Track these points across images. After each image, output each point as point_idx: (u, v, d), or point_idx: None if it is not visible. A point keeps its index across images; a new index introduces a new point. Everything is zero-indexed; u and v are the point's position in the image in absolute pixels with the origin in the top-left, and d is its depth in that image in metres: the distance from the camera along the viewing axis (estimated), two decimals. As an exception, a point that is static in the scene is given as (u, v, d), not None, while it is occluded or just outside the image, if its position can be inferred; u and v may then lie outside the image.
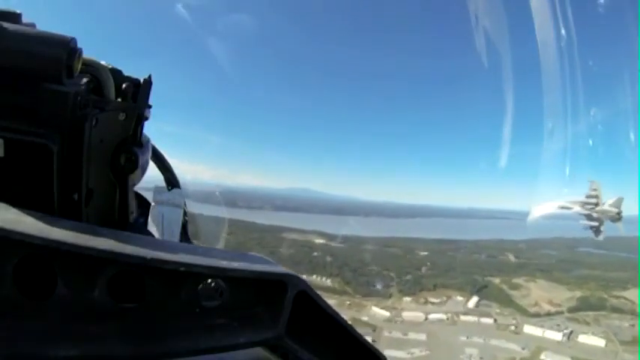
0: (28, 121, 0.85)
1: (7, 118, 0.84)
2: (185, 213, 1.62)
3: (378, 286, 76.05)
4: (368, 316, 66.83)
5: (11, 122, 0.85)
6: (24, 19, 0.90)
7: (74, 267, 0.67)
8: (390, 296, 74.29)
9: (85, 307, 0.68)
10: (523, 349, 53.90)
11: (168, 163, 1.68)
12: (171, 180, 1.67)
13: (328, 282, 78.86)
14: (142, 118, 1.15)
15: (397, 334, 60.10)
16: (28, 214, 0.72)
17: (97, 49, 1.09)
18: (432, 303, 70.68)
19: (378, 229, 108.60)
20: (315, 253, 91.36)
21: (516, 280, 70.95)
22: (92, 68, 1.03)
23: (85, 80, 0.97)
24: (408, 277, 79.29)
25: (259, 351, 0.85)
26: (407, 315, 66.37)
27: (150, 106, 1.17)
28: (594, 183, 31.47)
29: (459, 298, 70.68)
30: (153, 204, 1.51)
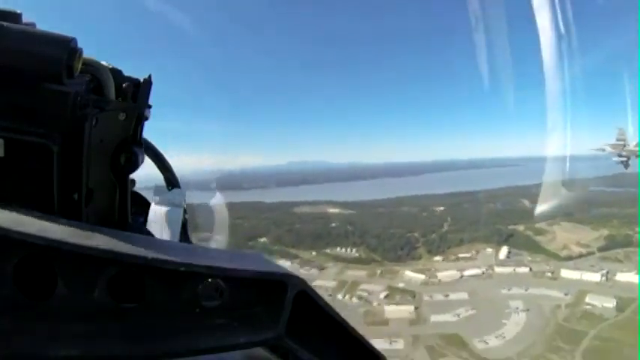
0: (28, 121, 0.86)
1: (7, 118, 0.85)
2: (185, 212, 1.59)
3: (405, 249, 76.01)
4: (403, 281, 66.81)
5: (11, 122, 0.85)
6: (24, 19, 0.90)
7: (74, 267, 0.67)
8: (420, 257, 74.38)
9: (85, 307, 0.68)
10: (566, 294, 54.54)
11: (167, 163, 1.66)
12: (171, 180, 1.66)
13: (354, 252, 78.27)
14: (142, 118, 1.16)
15: (438, 297, 60.26)
16: (28, 214, 0.72)
17: (97, 48, 1.10)
18: (463, 259, 71.18)
19: (389, 190, 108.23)
20: (333, 224, 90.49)
21: (540, 226, 71.44)
22: (92, 68, 1.03)
23: (85, 80, 0.97)
24: (433, 235, 79.39)
25: (259, 351, 0.85)
26: (442, 275, 66.55)
27: (150, 106, 1.18)
28: (621, 130, 41.00)
29: (489, 250, 71.23)
30: (153, 204, 1.50)
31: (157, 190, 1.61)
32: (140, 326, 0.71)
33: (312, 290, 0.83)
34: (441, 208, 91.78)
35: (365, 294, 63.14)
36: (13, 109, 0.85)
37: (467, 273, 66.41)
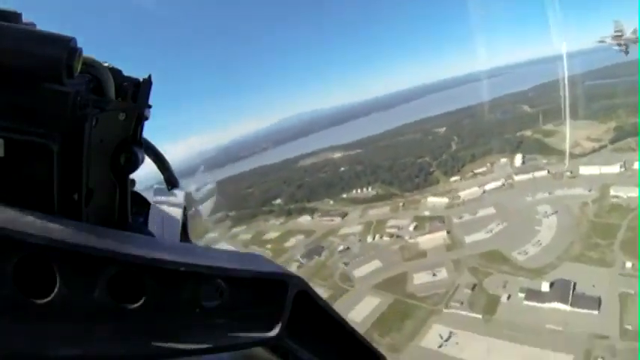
0: (28, 121, 0.86)
1: (7, 118, 0.85)
2: (185, 212, 1.60)
3: (421, 176, 76.04)
4: (427, 209, 67.22)
5: (11, 122, 0.85)
6: (24, 19, 0.90)
7: (74, 267, 0.67)
8: (437, 181, 74.66)
9: (85, 307, 0.68)
10: (590, 191, 55.28)
11: (167, 163, 1.65)
12: (171, 180, 1.65)
13: (370, 191, 77.97)
14: (142, 118, 1.17)
15: (467, 217, 60.96)
16: (28, 214, 0.73)
17: (98, 48, 1.09)
18: (480, 174, 71.67)
19: (386, 123, 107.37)
20: (342, 169, 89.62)
21: (547, 128, 71.32)
22: (92, 68, 1.03)
23: (85, 80, 0.98)
24: (444, 156, 79.42)
25: (259, 351, 0.87)
26: (464, 194, 67.06)
27: (150, 106, 1.18)
28: (618, 22, 45.34)
29: (503, 161, 71.73)
30: (153, 204, 1.51)
31: (156, 190, 1.58)
32: (140, 326, 0.71)
33: (313, 290, 0.83)
34: (443, 129, 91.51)
35: (394, 230, 63.40)
36: (13, 109, 0.85)
37: (488, 187, 66.89)
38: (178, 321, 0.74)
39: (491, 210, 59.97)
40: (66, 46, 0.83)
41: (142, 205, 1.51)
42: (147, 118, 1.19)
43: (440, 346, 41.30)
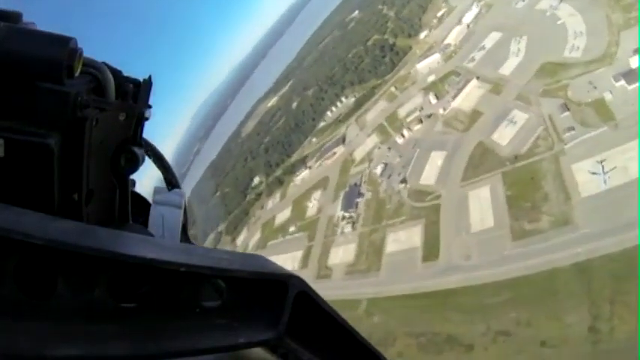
0: (29, 121, 0.87)
1: (8, 118, 0.86)
2: (185, 213, 1.58)
3: (387, 53, 66.26)
4: (426, 74, 58.37)
5: (11, 122, 0.86)
6: (24, 19, 0.92)
7: (74, 267, 0.67)
8: (409, 47, 65.35)
9: (85, 307, 0.69)
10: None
11: (167, 163, 1.66)
12: (171, 180, 1.65)
13: (350, 101, 66.30)
14: (142, 119, 1.18)
15: (477, 55, 53.28)
16: (29, 214, 0.73)
17: (98, 49, 1.11)
18: (445, 15, 63.57)
19: (292, 45, 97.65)
20: (294, 104, 76.18)
21: None
22: (92, 69, 1.04)
23: (86, 81, 0.99)
24: (390, 25, 69.58)
25: (259, 351, 0.86)
26: (451, 39, 59.00)
27: (150, 107, 1.19)
28: None
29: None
30: (153, 204, 1.52)
31: (156, 191, 1.56)
32: (140, 326, 0.71)
33: (313, 290, 0.83)
34: (356, 12, 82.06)
35: (416, 114, 53.48)
36: (13, 109, 0.86)
37: (466, 20, 59.10)
38: (178, 321, 0.74)
39: (496, 35, 52.85)
40: (66, 47, 0.84)
41: (141, 205, 1.50)
42: (147, 119, 1.19)
43: (605, 182, 35.41)
